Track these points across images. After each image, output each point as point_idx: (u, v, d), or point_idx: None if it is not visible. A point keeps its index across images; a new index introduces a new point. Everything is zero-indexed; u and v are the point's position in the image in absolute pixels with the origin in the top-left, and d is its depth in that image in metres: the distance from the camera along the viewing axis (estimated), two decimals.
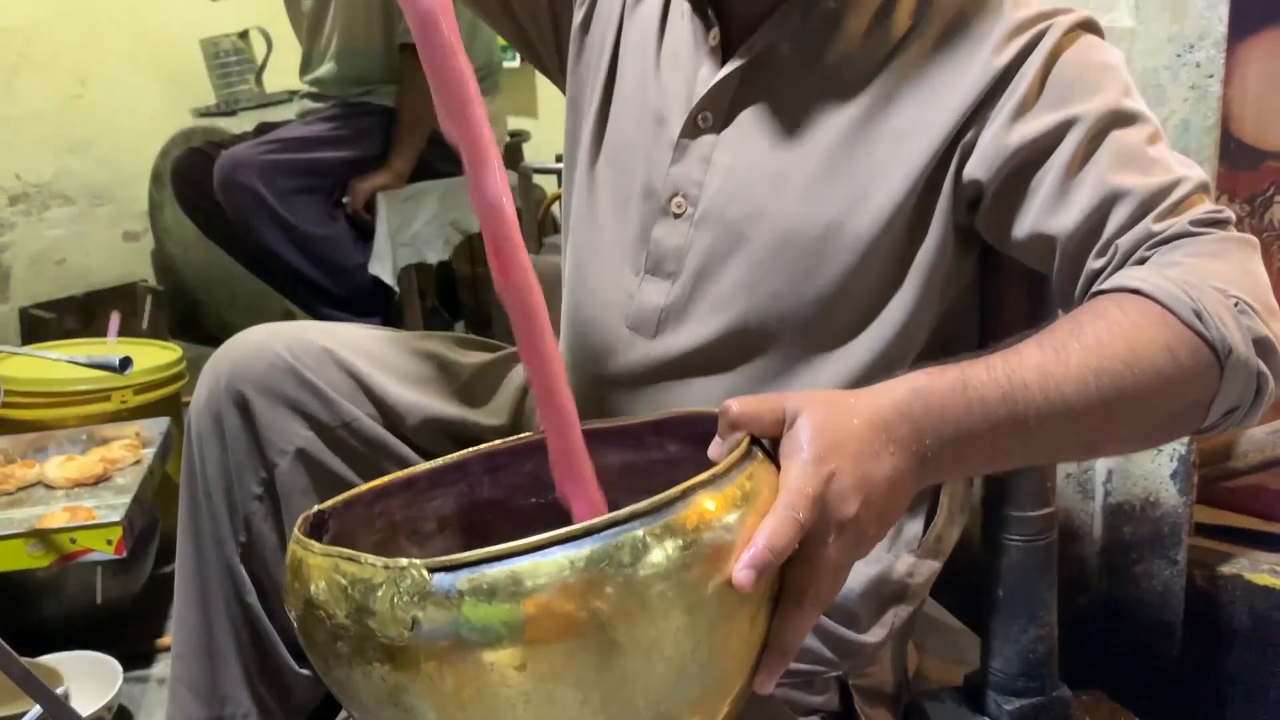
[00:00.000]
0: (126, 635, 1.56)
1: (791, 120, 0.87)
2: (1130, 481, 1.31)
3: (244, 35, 3.11)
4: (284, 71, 2.96)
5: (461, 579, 0.51)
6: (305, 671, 1.02)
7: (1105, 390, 0.66)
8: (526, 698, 0.52)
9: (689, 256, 0.89)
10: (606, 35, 0.98)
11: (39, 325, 2.97)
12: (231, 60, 3.14)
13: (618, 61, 0.97)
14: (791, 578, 0.58)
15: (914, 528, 0.90)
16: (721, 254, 0.88)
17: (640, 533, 0.52)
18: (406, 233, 2.17)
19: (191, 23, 3.14)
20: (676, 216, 0.90)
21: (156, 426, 1.75)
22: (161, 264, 3.34)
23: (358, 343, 0.98)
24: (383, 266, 2.13)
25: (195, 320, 3.11)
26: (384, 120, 2.21)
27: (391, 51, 2.21)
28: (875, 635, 0.88)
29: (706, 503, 0.54)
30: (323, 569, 0.56)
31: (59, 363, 1.72)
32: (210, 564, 1.00)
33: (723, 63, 0.89)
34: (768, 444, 0.61)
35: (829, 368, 0.87)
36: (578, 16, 1.00)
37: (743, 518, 0.55)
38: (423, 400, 0.98)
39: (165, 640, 1.56)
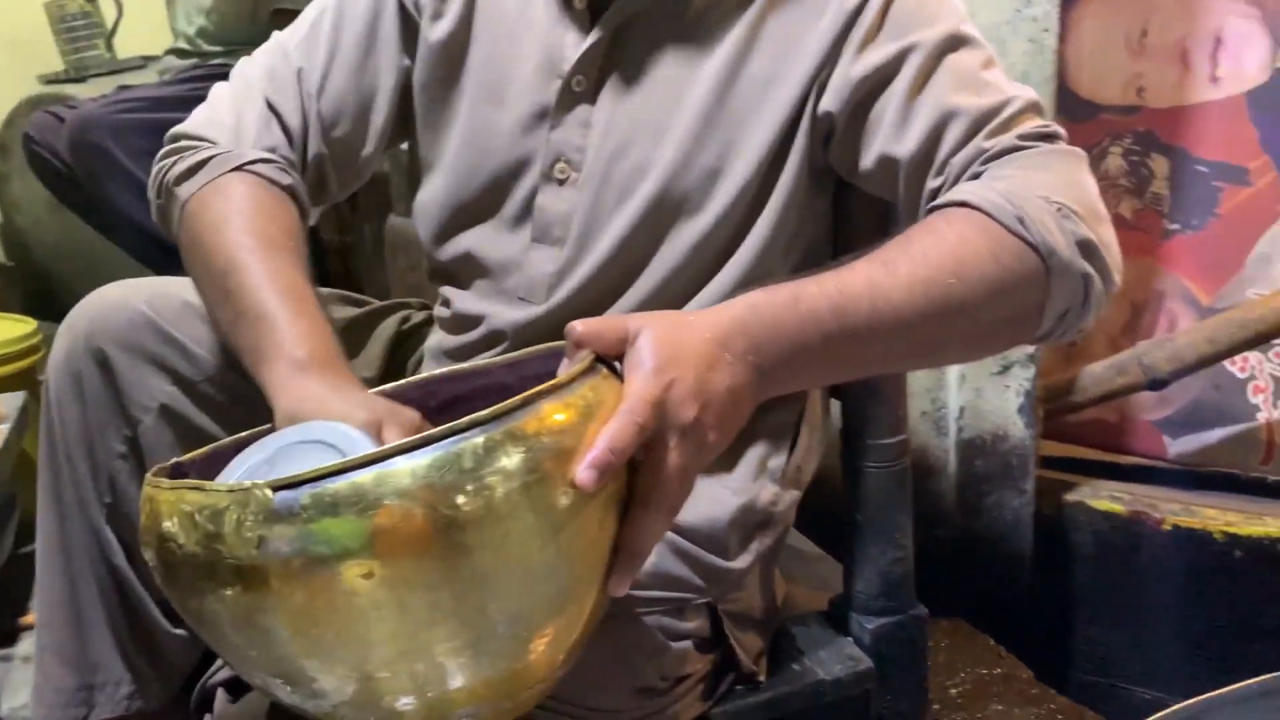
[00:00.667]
0: None
1: (663, 77, 0.89)
2: (980, 417, 1.39)
3: None
4: (136, 36, 2.87)
5: (304, 495, 0.53)
6: (179, 631, 1.01)
7: (934, 299, 0.70)
8: (377, 606, 0.54)
9: (574, 219, 0.91)
10: (456, 21, 0.96)
11: None
12: (79, 24, 3.01)
13: (469, 42, 0.95)
14: (639, 483, 0.61)
15: (777, 460, 0.94)
16: (607, 211, 0.90)
17: (480, 440, 0.54)
18: None
19: None
20: (560, 183, 0.91)
21: (12, 402, 1.68)
22: (10, 239, 3.18)
23: None
24: None
25: (50, 297, 2.97)
26: None
27: (260, 15, 2.16)
28: (742, 562, 0.91)
29: (548, 410, 0.57)
30: (171, 502, 0.57)
31: None
32: (74, 527, 0.97)
33: (590, 26, 0.90)
34: (619, 366, 0.64)
35: (696, 301, 0.90)
36: (435, 33, 0.96)
37: (585, 424, 0.57)
38: None
39: (29, 618, 1.51)
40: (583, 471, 0.56)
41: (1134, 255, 1.53)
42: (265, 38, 1.04)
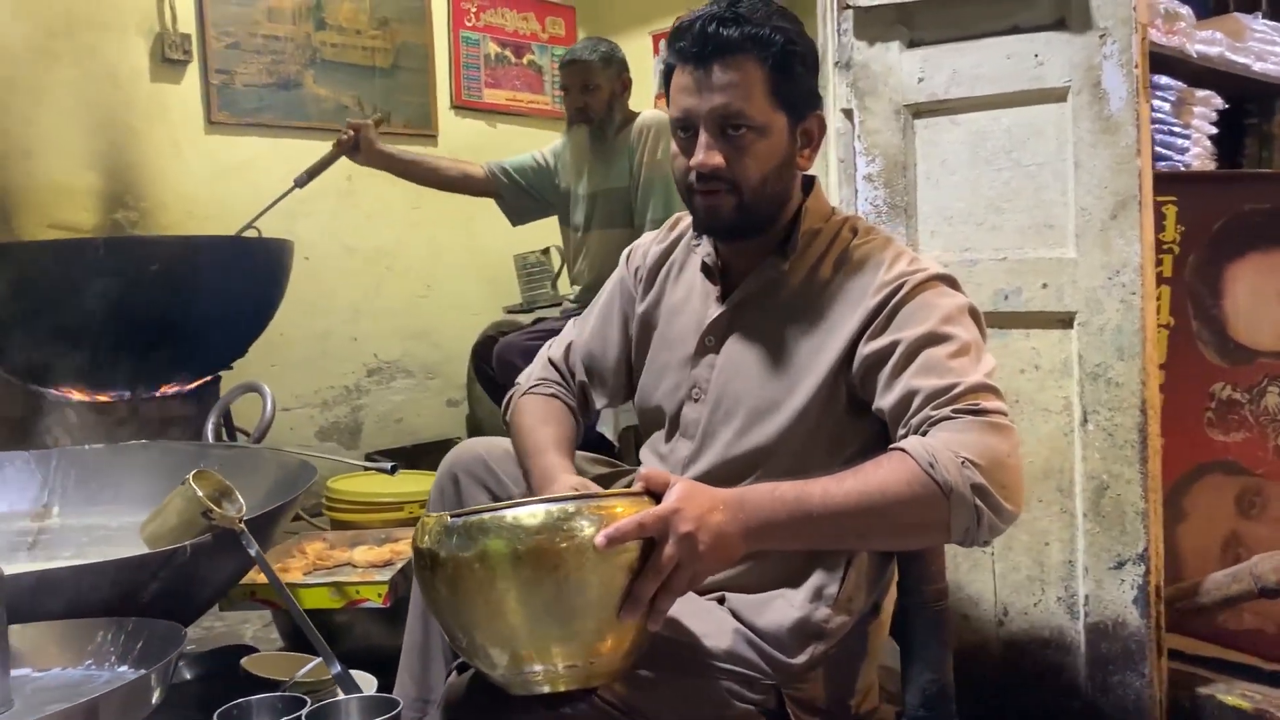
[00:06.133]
0: (387, 675, 2.18)
1: (757, 338, 1.39)
2: (1103, 605, 1.63)
3: (545, 251, 3.93)
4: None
5: (460, 521, 1.06)
6: None
7: (862, 504, 1.13)
8: (487, 586, 1.04)
9: (701, 424, 1.41)
10: (651, 304, 1.54)
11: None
12: (535, 270, 3.95)
13: (657, 314, 1.52)
14: (649, 560, 1.08)
15: (831, 589, 1.33)
16: (719, 420, 1.40)
17: (564, 507, 1.05)
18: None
19: (508, 242, 3.97)
20: (695, 401, 1.43)
21: None
22: (472, 425, 4.15)
23: None
24: (607, 427, 2.76)
25: None
26: None
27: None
28: (799, 659, 1.30)
29: (607, 504, 1.07)
30: (422, 522, 1.12)
31: (372, 479, 2.47)
32: None
33: (721, 304, 1.43)
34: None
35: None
36: (640, 308, 1.55)
37: (620, 517, 1.06)
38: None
39: None
40: (600, 537, 1.05)
41: None
42: None
